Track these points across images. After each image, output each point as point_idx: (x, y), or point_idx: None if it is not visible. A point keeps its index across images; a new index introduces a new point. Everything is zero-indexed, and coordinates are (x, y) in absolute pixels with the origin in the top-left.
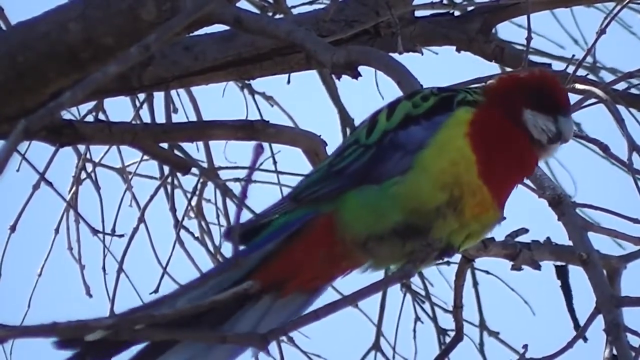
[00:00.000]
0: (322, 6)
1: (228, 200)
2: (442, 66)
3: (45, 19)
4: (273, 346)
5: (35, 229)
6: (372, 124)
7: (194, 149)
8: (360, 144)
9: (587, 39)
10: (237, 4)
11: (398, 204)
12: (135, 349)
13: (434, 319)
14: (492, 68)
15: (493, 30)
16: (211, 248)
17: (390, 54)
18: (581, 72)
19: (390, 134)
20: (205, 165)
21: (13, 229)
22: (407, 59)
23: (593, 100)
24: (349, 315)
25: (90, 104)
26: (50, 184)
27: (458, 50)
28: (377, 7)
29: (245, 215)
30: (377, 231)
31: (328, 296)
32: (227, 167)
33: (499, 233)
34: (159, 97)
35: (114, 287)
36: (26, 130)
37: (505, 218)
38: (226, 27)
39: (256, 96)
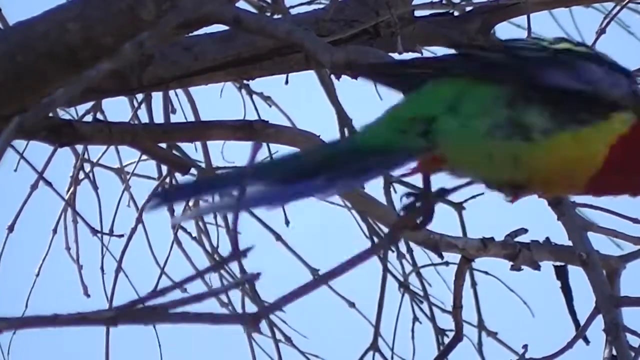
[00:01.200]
0: (321, 6)
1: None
2: None
3: (44, 18)
4: (271, 345)
5: (33, 229)
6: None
7: (192, 150)
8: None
9: (586, 40)
10: (236, 4)
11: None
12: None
13: (432, 319)
14: None
15: (492, 31)
16: (209, 248)
17: (390, 54)
18: None
19: (569, 56)
20: (203, 165)
21: (11, 228)
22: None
23: None
24: (347, 315)
25: (89, 105)
26: (49, 183)
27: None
28: (376, 7)
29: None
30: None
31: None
32: (225, 167)
33: (498, 233)
34: (157, 97)
35: (112, 287)
36: (20, 126)
37: None
38: (225, 27)
39: (254, 96)
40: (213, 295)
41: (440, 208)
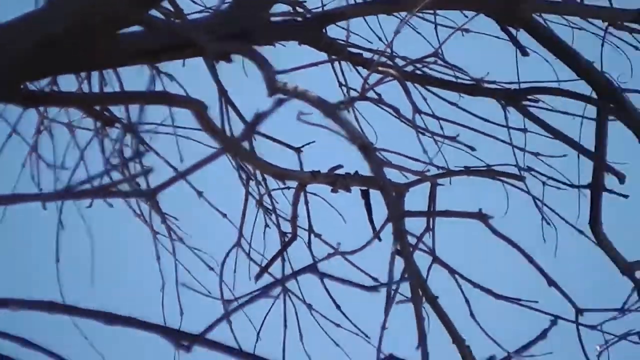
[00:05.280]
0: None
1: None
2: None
3: (25, 17)
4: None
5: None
6: None
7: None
8: None
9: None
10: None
11: None
12: None
13: (278, 226)
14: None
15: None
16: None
17: (255, 48)
18: (384, 59)
19: None
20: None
21: None
22: (270, 51)
23: (390, 78)
24: (218, 223)
25: (47, 80)
26: (18, 134)
27: (300, 44)
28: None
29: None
30: None
31: None
32: (145, 123)
33: (323, 168)
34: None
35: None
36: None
37: None
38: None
39: (162, 75)
40: (120, 183)
41: (282, 151)
